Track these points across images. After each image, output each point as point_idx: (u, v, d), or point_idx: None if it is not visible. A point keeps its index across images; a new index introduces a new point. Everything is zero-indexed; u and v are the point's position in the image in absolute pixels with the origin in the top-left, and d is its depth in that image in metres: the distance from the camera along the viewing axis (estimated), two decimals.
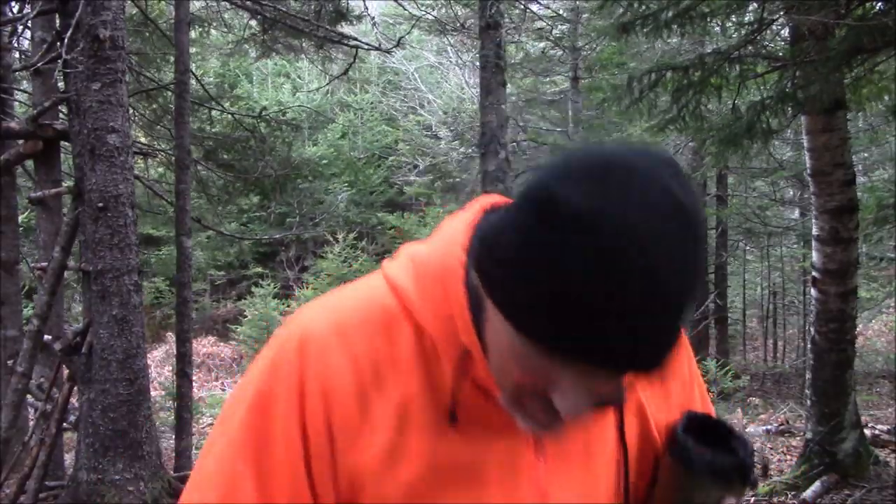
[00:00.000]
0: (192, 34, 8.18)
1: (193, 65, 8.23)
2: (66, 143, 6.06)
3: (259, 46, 8.70)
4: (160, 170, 10.96)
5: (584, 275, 0.63)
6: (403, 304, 0.83)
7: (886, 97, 5.38)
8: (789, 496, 5.76)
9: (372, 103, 19.95)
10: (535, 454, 0.86)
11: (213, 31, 10.05)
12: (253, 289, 14.69)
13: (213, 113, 9.22)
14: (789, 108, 4.89)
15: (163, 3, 9.51)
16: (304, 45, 8.64)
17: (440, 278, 0.81)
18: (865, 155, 10.77)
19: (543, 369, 0.71)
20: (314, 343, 0.82)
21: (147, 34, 8.61)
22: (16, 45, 7.70)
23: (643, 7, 4.91)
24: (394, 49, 9.97)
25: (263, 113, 9.14)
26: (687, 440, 0.91)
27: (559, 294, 0.64)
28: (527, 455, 0.86)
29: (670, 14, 4.80)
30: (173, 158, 6.86)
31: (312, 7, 7.96)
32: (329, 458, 0.80)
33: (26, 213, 11.32)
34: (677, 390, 1.00)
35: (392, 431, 0.80)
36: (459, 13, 11.26)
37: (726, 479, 0.88)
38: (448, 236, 0.84)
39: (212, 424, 10.09)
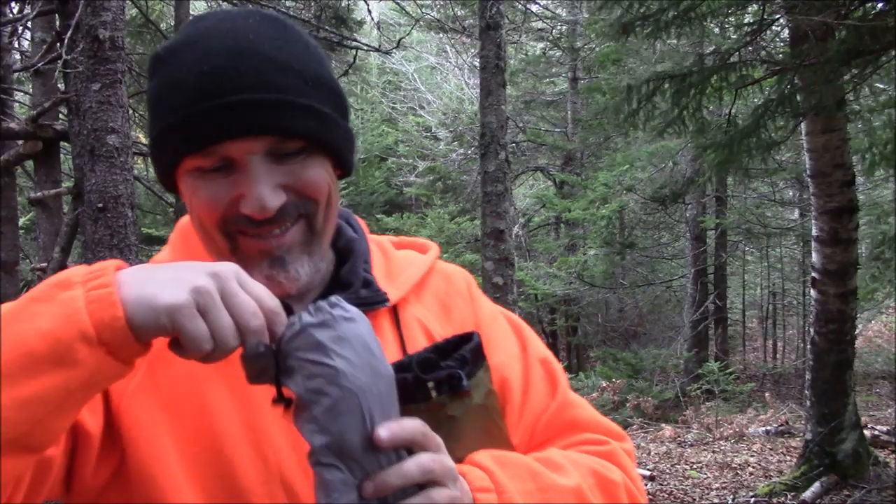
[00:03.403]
0: None
1: None
2: (66, 144, 6.06)
3: None
4: None
5: (149, 90, 0.84)
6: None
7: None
8: (789, 497, 5.76)
9: (372, 104, 19.95)
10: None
11: None
12: None
13: None
14: (790, 115, 4.88)
15: (162, 5, 9.52)
16: None
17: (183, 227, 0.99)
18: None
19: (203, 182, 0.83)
20: None
21: (148, 36, 8.61)
22: (16, 45, 7.70)
23: (643, 8, 4.91)
24: (394, 50, 9.97)
25: None
26: None
27: (150, 109, 0.84)
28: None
29: (670, 15, 4.80)
30: None
31: (312, 11, 7.95)
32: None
33: (26, 213, 11.33)
34: (463, 322, 0.99)
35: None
36: (459, 13, 11.25)
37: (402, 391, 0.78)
38: None
39: None
